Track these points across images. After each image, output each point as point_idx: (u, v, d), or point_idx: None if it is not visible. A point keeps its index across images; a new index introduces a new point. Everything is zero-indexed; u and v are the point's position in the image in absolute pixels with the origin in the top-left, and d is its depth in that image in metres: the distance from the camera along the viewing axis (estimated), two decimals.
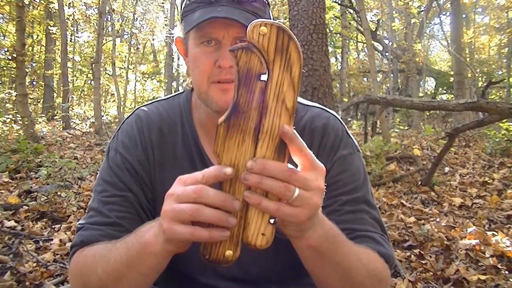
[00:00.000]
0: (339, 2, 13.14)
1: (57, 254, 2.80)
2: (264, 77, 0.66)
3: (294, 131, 0.66)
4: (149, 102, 1.14)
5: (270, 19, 1.01)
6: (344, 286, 0.84)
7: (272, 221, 0.69)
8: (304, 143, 0.67)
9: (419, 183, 4.93)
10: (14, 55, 7.08)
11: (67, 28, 15.60)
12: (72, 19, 17.44)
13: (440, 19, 23.44)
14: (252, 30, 0.66)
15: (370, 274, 0.87)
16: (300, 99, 1.11)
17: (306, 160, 0.67)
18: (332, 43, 19.58)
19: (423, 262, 2.70)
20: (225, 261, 0.73)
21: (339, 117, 1.08)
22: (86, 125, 13.96)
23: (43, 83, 17.91)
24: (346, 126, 1.08)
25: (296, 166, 0.68)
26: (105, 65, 18.98)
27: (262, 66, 0.66)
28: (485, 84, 15.83)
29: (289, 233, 0.74)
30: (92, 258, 0.89)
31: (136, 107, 1.13)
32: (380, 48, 18.58)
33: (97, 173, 5.79)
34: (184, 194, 0.67)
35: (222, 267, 0.81)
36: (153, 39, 24.09)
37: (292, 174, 0.65)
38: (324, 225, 0.77)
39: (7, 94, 13.57)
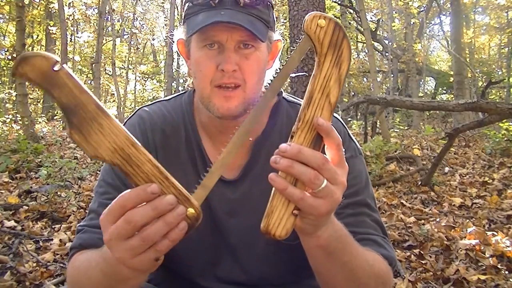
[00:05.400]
0: (339, 2, 13.13)
1: (57, 254, 2.79)
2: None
3: (331, 125, 0.67)
4: (151, 102, 1.12)
5: (274, 21, 1.00)
6: (350, 286, 0.84)
7: (295, 212, 0.68)
8: (340, 138, 0.67)
9: (419, 183, 4.93)
10: (14, 55, 7.08)
11: (67, 28, 15.58)
12: (72, 19, 17.42)
13: (440, 19, 23.44)
14: (311, 20, 0.67)
15: (376, 275, 0.87)
16: (301, 101, 1.10)
17: (338, 156, 0.67)
18: None
19: (423, 262, 2.69)
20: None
21: (341, 120, 1.07)
22: None
23: None
24: (348, 129, 1.08)
25: None
26: (105, 65, 18.98)
27: None
28: (485, 84, 15.82)
29: (305, 227, 0.73)
30: (77, 271, 0.89)
31: (138, 108, 1.12)
32: (380, 48, 18.55)
33: (97, 173, 5.80)
34: (122, 232, 0.64)
35: (223, 270, 0.78)
36: (153, 39, 24.10)
37: (325, 163, 0.64)
38: (334, 225, 0.76)
39: (7, 94, 13.56)
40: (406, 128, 12.91)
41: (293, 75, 4.41)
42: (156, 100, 1.13)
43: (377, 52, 18.26)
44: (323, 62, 0.67)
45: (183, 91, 1.14)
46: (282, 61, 0.71)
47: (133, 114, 1.10)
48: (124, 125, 1.09)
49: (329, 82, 0.67)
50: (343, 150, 0.68)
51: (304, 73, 4.53)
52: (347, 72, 0.68)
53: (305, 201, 0.65)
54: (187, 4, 0.95)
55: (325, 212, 0.67)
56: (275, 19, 1.01)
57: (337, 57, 0.67)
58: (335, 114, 1.08)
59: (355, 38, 20.67)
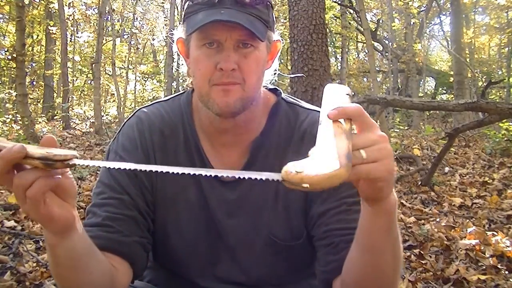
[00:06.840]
0: (339, 2, 13.11)
1: None
2: None
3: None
4: (150, 103, 1.13)
5: (274, 22, 1.00)
6: (394, 265, 0.83)
7: None
8: (356, 109, 0.70)
9: (419, 183, 4.93)
10: (14, 55, 7.07)
11: (67, 28, 15.59)
12: (72, 19, 17.40)
13: (440, 19, 23.43)
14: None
15: (400, 260, 0.87)
16: (301, 102, 1.10)
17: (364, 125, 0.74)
18: (332, 43, 19.56)
19: (423, 262, 2.69)
20: None
21: None
22: (86, 125, 13.95)
23: (43, 83, 17.88)
24: None
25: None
26: (105, 65, 18.97)
27: None
28: (485, 84, 15.81)
29: (384, 192, 0.74)
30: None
31: (137, 108, 1.12)
32: (380, 48, 18.54)
33: (97, 173, 5.78)
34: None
35: (222, 270, 0.76)
36: (153, 39, 24.08)
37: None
38: (394, 195, 0.78)
39: (7, 94, 13.56)
40: (406, 128, 12.91)
41: (292, 75, 4.41)
42: (155, 101, 1.13)
43: (377, 52, 18.26)
44: None
45: (182, 91, 1.15)
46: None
47: (132, 115, 1.10)
48: (123, 126, 1.09)
49: None
50: (365, 116, 0.71)
51: (302, 74, 4.53)
52: None
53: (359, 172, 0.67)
54: (187, 3, 0.95)
55: (388, 168, 0.69)
56: (274, 19, 1.01)
57: None
58: None
59: (355, 38, 20.67)
